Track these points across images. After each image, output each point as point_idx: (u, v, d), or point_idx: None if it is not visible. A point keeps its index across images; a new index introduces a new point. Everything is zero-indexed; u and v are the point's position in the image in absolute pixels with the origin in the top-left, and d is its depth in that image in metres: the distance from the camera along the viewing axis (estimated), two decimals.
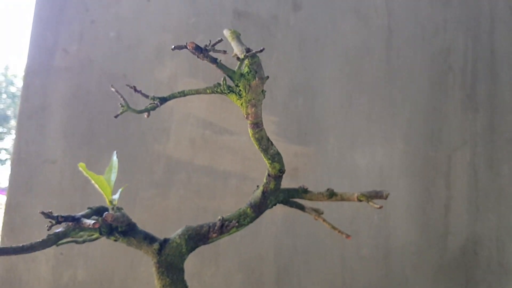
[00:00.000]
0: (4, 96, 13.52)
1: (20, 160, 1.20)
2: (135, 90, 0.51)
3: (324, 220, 0.65)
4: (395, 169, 1.21)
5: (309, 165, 1.22)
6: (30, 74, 1.22)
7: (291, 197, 0.68)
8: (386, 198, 0.61)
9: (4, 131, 13.61)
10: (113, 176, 0.60)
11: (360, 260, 1.18)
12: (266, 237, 1.20)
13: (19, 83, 13.02)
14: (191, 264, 1.16)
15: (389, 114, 1.24)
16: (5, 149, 13.67)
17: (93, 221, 0.54)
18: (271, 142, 0.55)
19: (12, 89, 13.64)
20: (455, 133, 1.24)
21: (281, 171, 0.58)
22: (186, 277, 1.17)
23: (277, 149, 0.57)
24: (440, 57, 1.28)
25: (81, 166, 0.59)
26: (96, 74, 1.23)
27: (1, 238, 1.16)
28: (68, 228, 0.55)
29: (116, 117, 0.55)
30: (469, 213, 1.19)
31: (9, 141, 13.63)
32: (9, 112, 13.51)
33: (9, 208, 1.17)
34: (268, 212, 1.10)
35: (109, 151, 1.21)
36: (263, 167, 1.23)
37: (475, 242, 1.18)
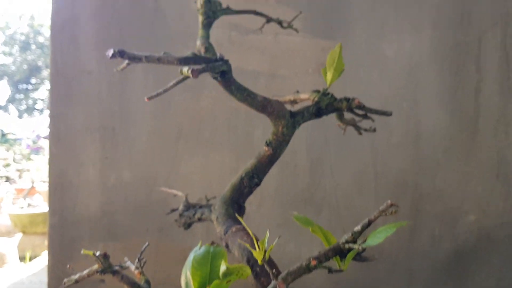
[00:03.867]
0: (33, 46, 13.69)
1: (58, 71, 1.25)
2: None
3: None
4: (424, 56, 1.20)
5: None
6: None
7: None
8: None
9: (38, 81, 13.91)
10: None
11: (391, 147, 1.21)
12: (298, 131, 1.23)
13: (46, 32, 13.10)
14: (227, 160, 1.21)
15: (416, 0, 1.21)
16: (42, 99, 14.04)
17: None
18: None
19: (40, 39, 13.76)
20: (485, 14, 1.20)
21: None
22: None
23: None
24: None
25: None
26: None
27: (49, 147, 1.24)
28: None
29: None
30: (500, 94, 1.18)
31: (43, 91, 13.95)
32: (40, 63, 13.72)
33: (53, 118, 1.24)
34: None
35: None
36: (291, 65, 1.25)
37: (506, 123, 1.18)
